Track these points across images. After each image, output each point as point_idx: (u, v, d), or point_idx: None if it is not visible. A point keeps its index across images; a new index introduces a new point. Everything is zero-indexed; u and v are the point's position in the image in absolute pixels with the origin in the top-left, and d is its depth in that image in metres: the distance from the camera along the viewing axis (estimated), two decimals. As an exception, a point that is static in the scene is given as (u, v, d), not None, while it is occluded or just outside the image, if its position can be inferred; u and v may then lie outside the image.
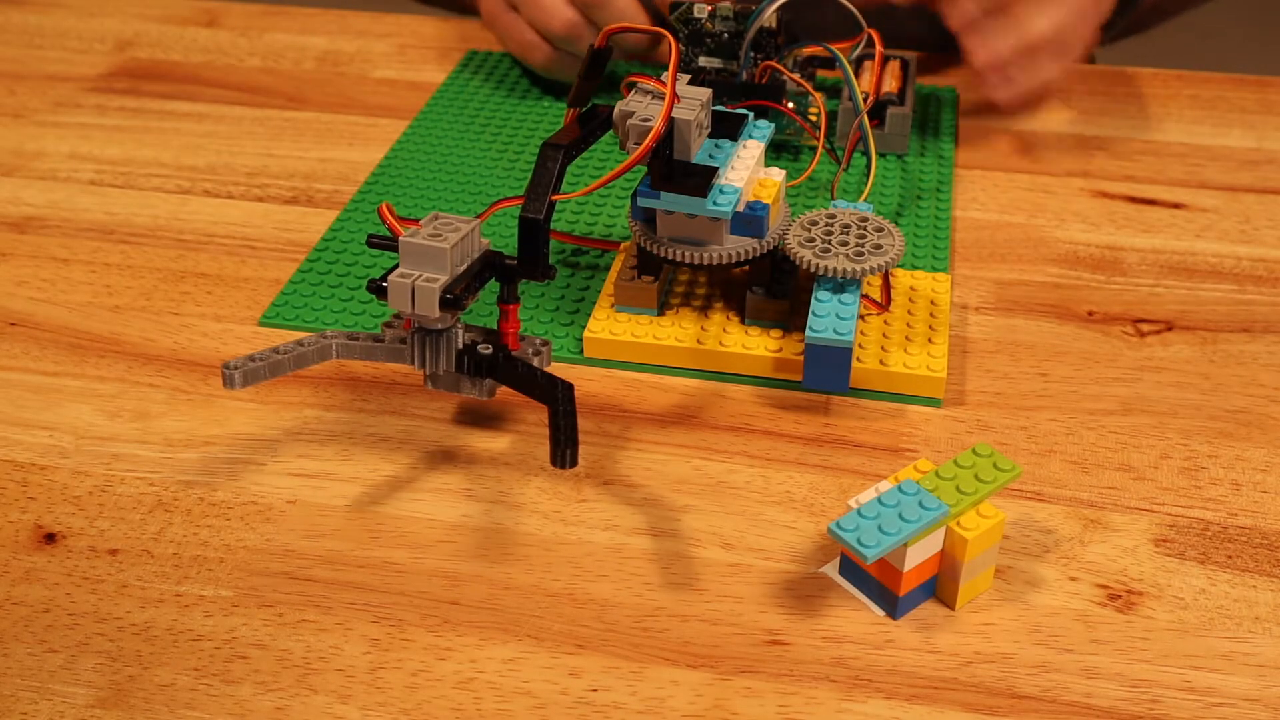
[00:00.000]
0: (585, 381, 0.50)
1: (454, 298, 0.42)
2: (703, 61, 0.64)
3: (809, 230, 0.50)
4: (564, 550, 0.43)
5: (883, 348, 0.50)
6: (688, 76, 0.49)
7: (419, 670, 0.39)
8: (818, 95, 0.59)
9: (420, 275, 0.42)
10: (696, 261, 0.49)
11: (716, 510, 0.45)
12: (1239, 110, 0.69)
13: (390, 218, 0.43)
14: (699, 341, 0.50)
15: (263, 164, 0.65)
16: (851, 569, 0.42)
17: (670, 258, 0.49)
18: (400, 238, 0.43)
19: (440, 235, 0.43)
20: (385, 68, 0.74)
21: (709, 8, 0.62)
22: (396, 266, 0.43)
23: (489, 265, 0.44)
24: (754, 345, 0.50)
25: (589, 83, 0.50)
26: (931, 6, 0.62)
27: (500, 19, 0.68)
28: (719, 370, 0.50)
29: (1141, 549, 0.43)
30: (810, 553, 0.43)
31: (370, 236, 0.44)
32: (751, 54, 0.62)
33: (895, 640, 0.40)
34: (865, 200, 0.56)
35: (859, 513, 0.39)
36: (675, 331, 0.51)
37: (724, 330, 0.51)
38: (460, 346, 0.45)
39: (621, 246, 0.55)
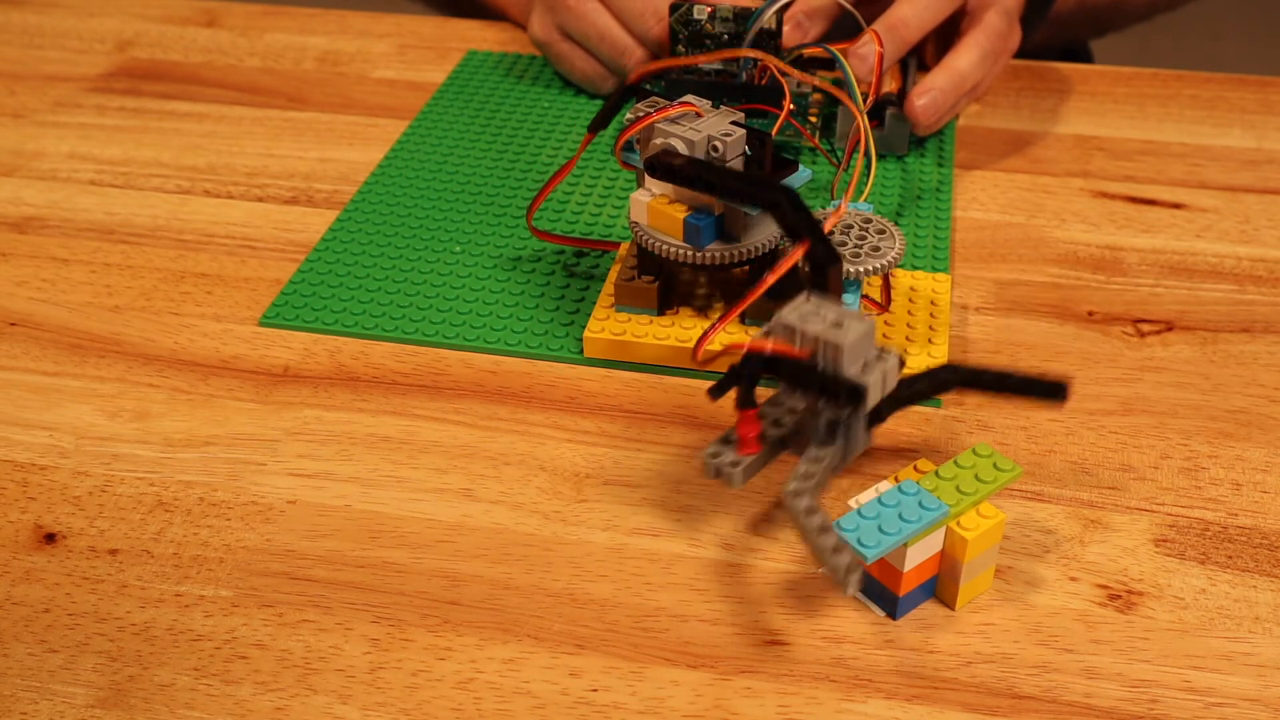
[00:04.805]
0: (585, 381, 0.50)
1: None
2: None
3: (809, 230, 0.50)
4: (564, 550, 0.43)
5: (883, 348, 0.50)
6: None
7: (419, 670, 0.39)
8: (816, 83, 0.59)
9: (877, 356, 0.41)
10: (696, 261, 0.49)
11: (716, 510, 0.45)
12: (1239, 110, 0.69)
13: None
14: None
15: (263, 164, 0.65)
16: (851, 569, 0.42)
17: (670, 258, 0.49)
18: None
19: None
20: (385, 68, 0.74)
21: (709, 9, 0.62)
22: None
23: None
24: (754, 345, 0.50)
25: (614, 111, 0.51)
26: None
27: (554, 47, 0.69)
28: (719, 370, 0.50)
29: (1141, 549, 0.43)
30: (810, 553, 0.43)
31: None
32: (751, 54, 0.62)
33: (895, 640, 0.40)
34: (865, 200, 0.56)
35: (859, 513, 0.39)
36: (675, 331, 0.51)
37: (724, 330, 0.51)
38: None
39: (621, 246, 0.55)
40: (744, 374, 0.41)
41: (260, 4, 0.82)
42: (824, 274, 0.44)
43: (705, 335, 0.45)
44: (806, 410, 0.43)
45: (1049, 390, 0.42)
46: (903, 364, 0.41)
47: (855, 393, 0.39)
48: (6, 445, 0.48)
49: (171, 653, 0.40)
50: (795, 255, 0.44)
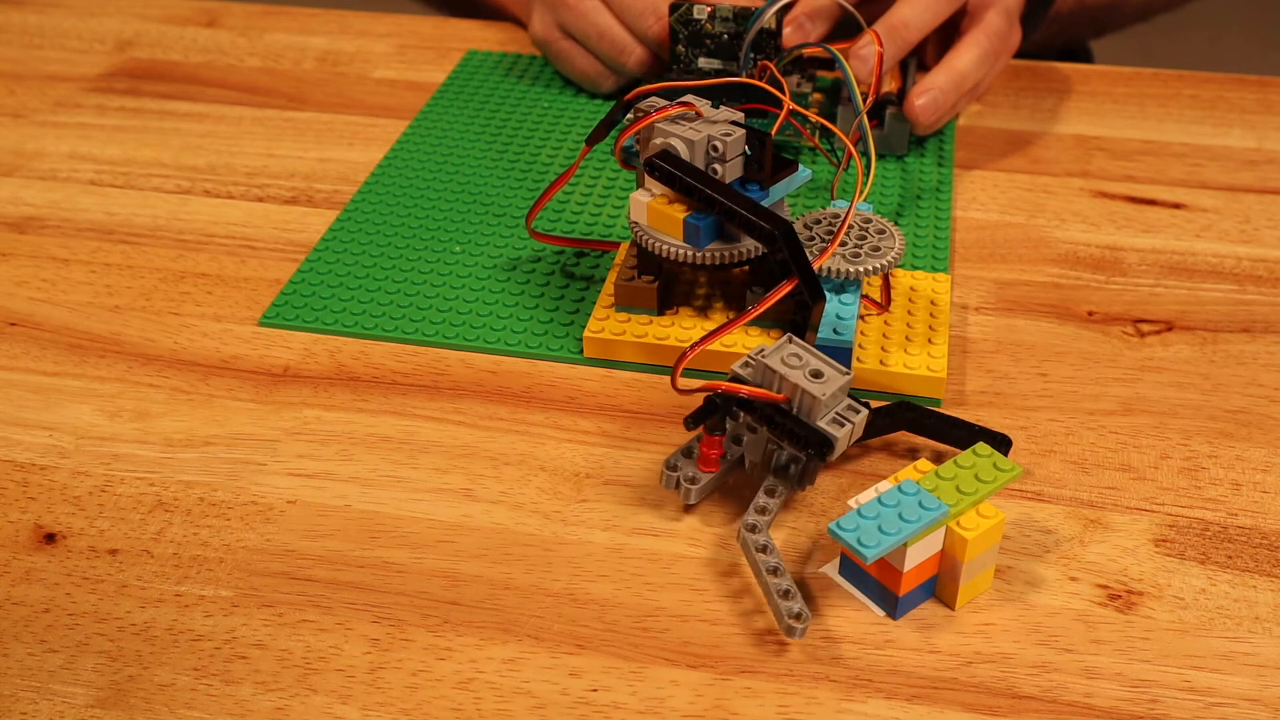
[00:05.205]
0: (585, 381, 0.50)
1: None
2: (702, 63, 0.64)
3: (810, 230, 0.50)
4: (564, 550, 0.43)
5: (883, 348, 0.50)
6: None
7: (419, 670, 0.39)
8: (809, 112, 0.59)
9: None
10: (696, 261, 0.49)
11: (716, 510, 0.45)
12: (1239, 110, 0.69)
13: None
14: (699, 341, 0.50)
15: (263, 164, 0.65)
16: (851, 569, 0.42)
17: (670, 257, 0.49)
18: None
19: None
20: (385, 68, 0.74)
21: (709, 9, 0.62)
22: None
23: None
24: (754, 345, 0.50)
25: (611, 125, 0.51)
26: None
27: (554, 45, 0.69)
28: (719, 370, 0.50)
29: (1141, 549, 0.43)
30: (810, 553, 0.43)
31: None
32: (751, 55, 0.62)
33: (895, 640, 0.40)
34: (865, 200, 0.56)
35: (859, 513, 0.39)
36: (675, 331, 0.51)
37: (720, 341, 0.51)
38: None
39: (621, 246, 0.55)
40: (719, 405, 0.42)
41: (260, 4, 0.82)
42: (808, 312, 0.46)
43: (683, 357, 0.45)
44: (769, 438, 0.43)
45: (994, 444, 0.44)
46: (870, 416, 0.43)
47: (825, 445, 0.41)
48: (6, 445, 0.48)
49: (171, 653, 0.40)
50: (781, 291, 0.45)
